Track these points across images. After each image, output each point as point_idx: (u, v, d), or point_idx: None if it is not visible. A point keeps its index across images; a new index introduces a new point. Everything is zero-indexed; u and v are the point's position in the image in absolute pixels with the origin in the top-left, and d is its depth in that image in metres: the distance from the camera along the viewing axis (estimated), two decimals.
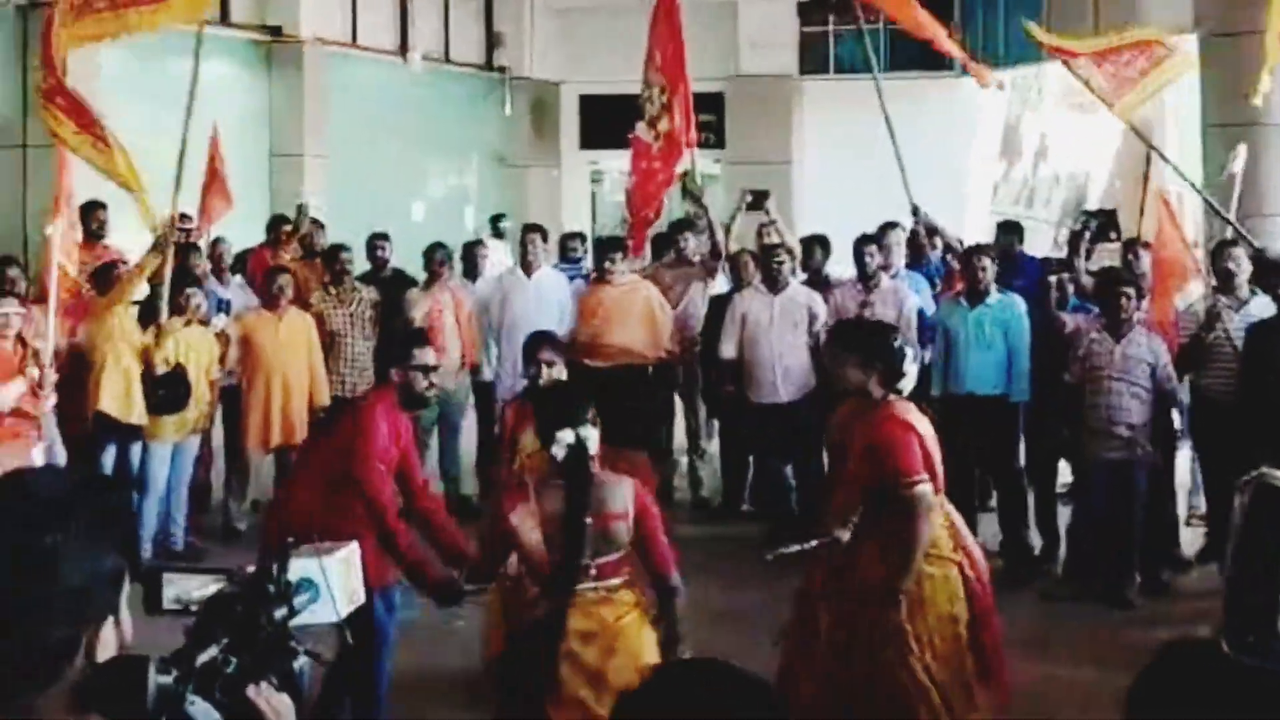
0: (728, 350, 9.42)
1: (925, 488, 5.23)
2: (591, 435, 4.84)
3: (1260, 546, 4.14)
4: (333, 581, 2.75)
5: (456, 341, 10.10)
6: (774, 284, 9.48)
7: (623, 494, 4.87)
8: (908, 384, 5.50)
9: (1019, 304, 8.83)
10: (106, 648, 1.88)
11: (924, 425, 5.44)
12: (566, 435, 4.79)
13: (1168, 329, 8.49)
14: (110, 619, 1.89)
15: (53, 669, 1.83)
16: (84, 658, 1.85)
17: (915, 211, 9.93)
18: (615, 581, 4.84)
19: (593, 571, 4.79)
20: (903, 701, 5.26)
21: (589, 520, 4.74)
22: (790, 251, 10.01)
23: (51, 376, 7.76)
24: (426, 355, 6.01)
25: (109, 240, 10.15)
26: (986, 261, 8.82)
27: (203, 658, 1.97)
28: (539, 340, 6.89)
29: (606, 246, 10.24)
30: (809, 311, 9.40)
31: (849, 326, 5.50)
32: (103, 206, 9.91)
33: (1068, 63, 9.27)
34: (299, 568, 2.29)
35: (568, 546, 4.74)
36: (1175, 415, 8.53)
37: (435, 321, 9.96)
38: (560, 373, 6.65)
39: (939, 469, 5.41)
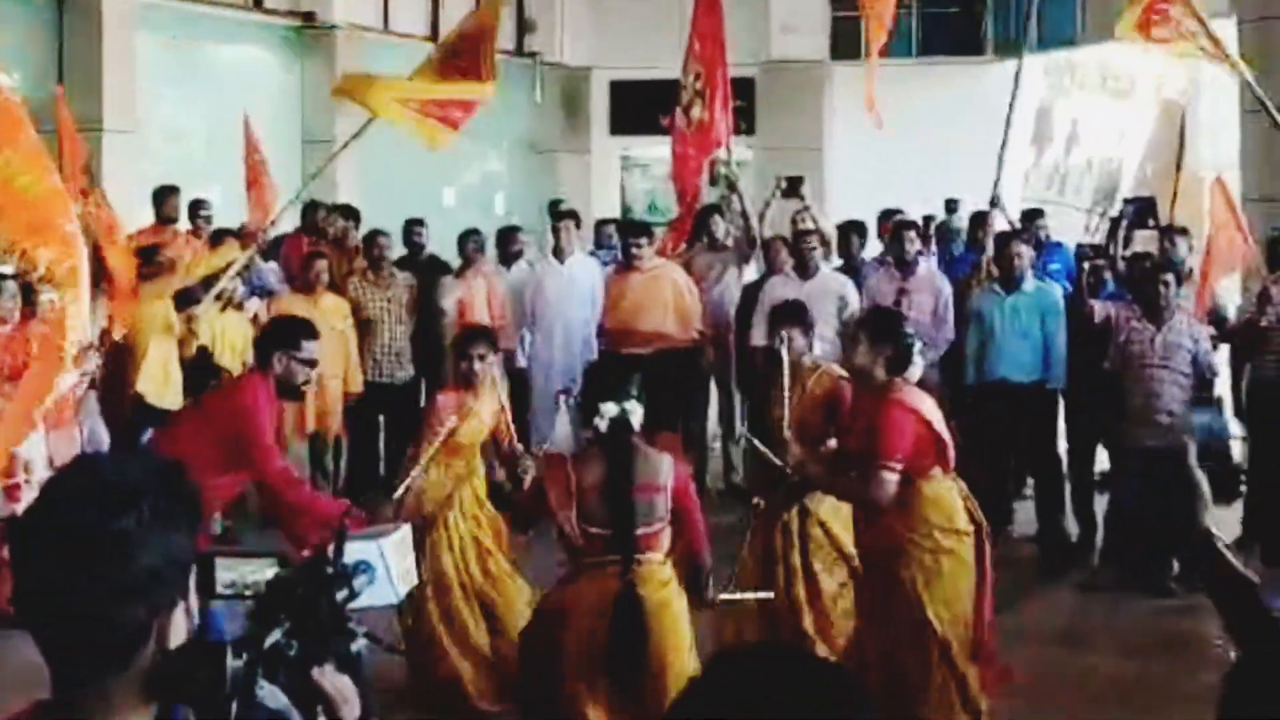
0: (757, 337, 9.25)
1: (892, 476, 5.27)
2: (635, 409, 4.89)
3: None
4: (390, 563, 2.78)
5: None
6: (804, 270, 9.43)
7: (663, 467, 4.92)
8: (914, 372, 5.52)
9: (1055, 291, 8.79)
10: (177, 633, 1.89)
11: (930, 409, 5.46)
12: (610, 408, 4.86)
13: (1203, 313, 8.46)
14: (181, 604, 1.90)
15: (127, 653, 1.84)
16: (155, 643, 1.86)
17: (994, 201, 9.68)
18: (655, 555, 4.86)
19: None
20: (914, 678, 5.34)
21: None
22: (823, 238, 9.96)
23: (95, 360, 7.78)
24: (313, 349, 6.01)
25: (180, 227, 10.27)
26: (1022, 248, 8.78)
27: (268, 641, 1.98)
28: (473, 336, 6.81)
29: (631, 232, 10.15)
30: (840, 299, 9.34)
31: (868, 313, 5.61)
32: (175, 191, 9.99)
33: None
34: (356, 550, 2.29)
35: (617, 515, 4.78)
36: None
37: (467, 308, 9.97)
38: (494, 367, 6.69)
39: (950, 449, 5.46)
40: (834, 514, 6.22)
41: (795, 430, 6.19)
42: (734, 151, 11.32)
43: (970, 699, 5.36)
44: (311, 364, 5.96)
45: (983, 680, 5.40)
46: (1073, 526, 8.89)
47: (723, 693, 1.48)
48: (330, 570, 2.14)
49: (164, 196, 10.25)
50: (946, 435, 5.46)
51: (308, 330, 6.16)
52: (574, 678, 4.75)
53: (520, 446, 6.68)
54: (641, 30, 16.63)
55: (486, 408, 6.56)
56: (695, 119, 10.66)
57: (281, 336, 6.08)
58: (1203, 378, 8.01)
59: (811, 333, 6.82)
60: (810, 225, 10.50)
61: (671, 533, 4.96)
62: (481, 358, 6.51)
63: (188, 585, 1.92)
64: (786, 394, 6.37)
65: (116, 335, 8.14)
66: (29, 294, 7.83)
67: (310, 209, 11.39)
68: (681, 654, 4.77)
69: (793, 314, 6.74)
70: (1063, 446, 8.97)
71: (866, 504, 5.43)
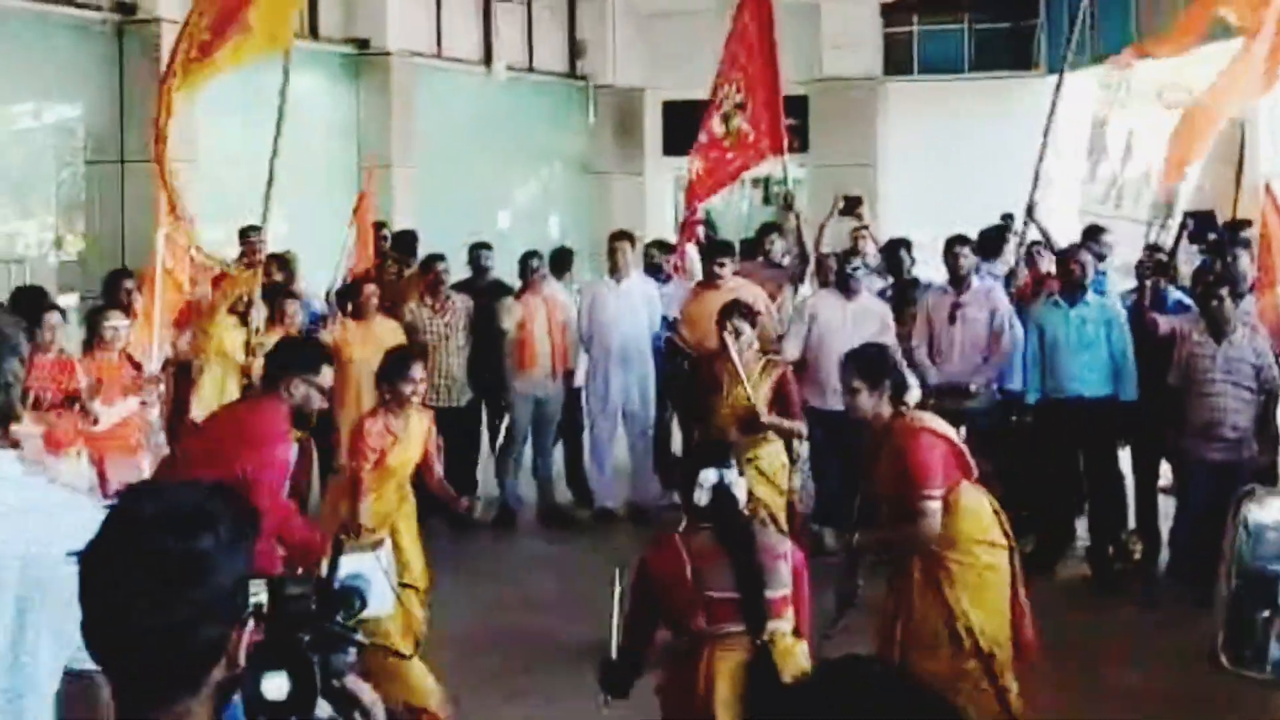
0: (792, 351, 9.13)
1: (935, 504, 5.23)
2: (737, 480, 4.63)
3: (1256, 560, 4.16)
4: (389, 571, 2.85)
5: (548, 348, 10.13)
6: (847, 289, 9.29)
7: (778, 537, 4.80)
8: (912, 396, 5.54)
9: (1116, 303, 8.72)
10: (243, 651, 1.94)
11: (941, 425, 5.47)
12: (709, 475, 4.59)
13: (1271, 323, 8.36)
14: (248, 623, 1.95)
15: (200, 673, 1.88)
16: (227, 662, 1.90)
17: (1030, 211, 9.62)
18: (783, 624, 4.49)
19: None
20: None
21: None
22: (874, 258, 9.91)
23: (159, 387, 7.89)
24: (330, 376, 5.60)
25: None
26: (1086, 258, 8.71)
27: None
28: (405, 357, 6.65)
29: (715, 252, 9.98)
30: (882, 322, 9.22)
31: (852, 356, 5.52)
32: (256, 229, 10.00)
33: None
34: (355, 562, 2.39)
35: (743, 578, 4.43)
36: None
37: (527, 329, 10.01)
38: (423, 389, 6.48)
39: (970, 462, 5.43)
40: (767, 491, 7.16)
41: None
42: (788, 170, 11.28)
43: (1012, 713, 5.31)
44: (325, 391, 5.58)
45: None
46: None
47: (823, 702, 1.49)
48: (333, 585, 2.20)
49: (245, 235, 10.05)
50: (963, 448, 5.48)
51: (326, 355, 5.86)
52: None
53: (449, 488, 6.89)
54: (693, 50, 16.63)
55: (415, 432, 6.44)
56: (734, 128, 10.63)
57: (300, 360, 5.60)
58: (1270, 392, 7.92)
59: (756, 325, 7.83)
60: (870, 244, 10.49)
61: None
62: (416, 382, 6.36)
63: (249, 605, 1.96)
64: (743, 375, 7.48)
65: (170, 355, 8.24)
66: (94, 324, 7.97)
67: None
68: None
69: (736, 309, 7.76)
70: (1124, 461, 8.90)
71: (921, 542, 5.31)
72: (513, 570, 9.00)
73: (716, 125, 10.73)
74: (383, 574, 2.61)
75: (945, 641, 5.29)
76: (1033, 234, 9.67)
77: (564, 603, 8.20)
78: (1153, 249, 9.98)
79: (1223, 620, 4.27)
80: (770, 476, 7.57)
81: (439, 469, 6.92)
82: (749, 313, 7.89)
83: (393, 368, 6.44)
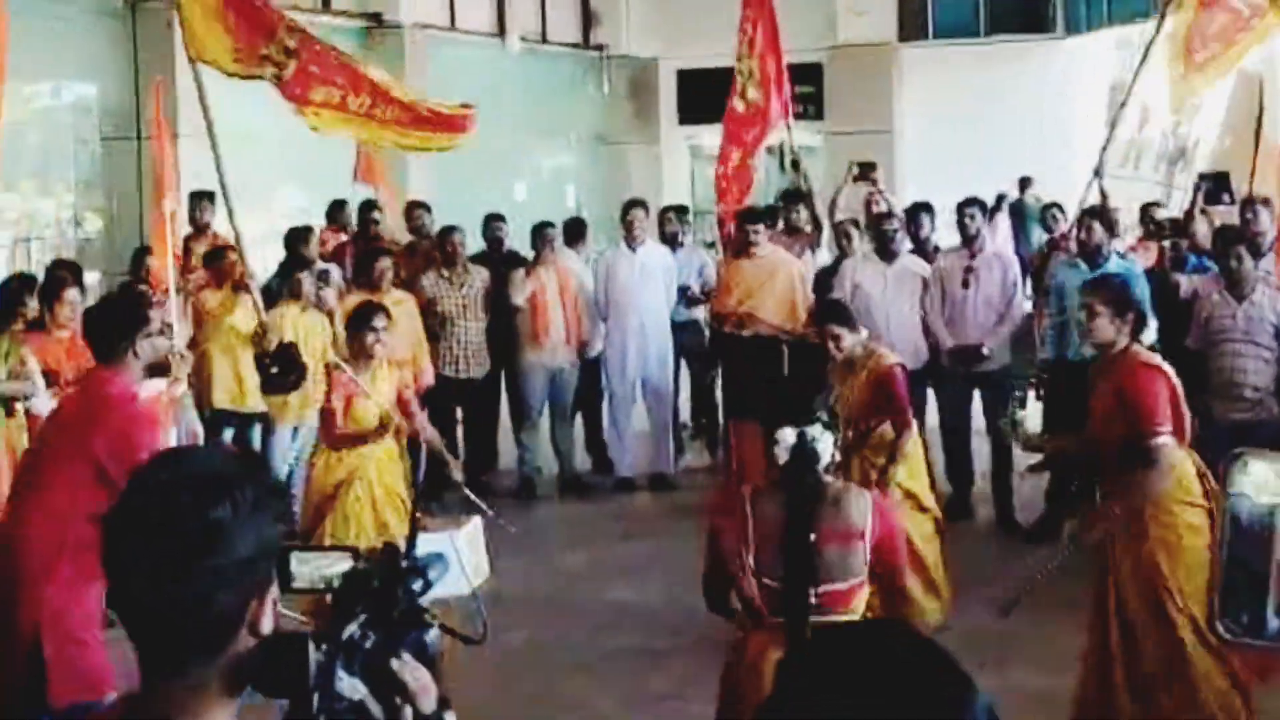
0: None
1: (1168, 441, 5.05)
2: (824, 438, 4.17)
3: (1250, 528, 4.08)
4: (463, 555, 2.82)
5: (561, 320, 10.11)
6: (886, 253, 9.32)
7: (861, 509, 4.16)
8: (1149, 335, 5.38)
9: (1137, 266, 8.67)
10: (267, 622, 1.94)
11: (1172, 372, 5.31)
12: (788, 435, 4.14)
13: None
14: (273, 592, 1.95)
15: (220, 642, 1.88)
16: (248, 631, 1.91)
17: (1098, 171, 9.48)
18: (843, 618, 4.00)
19: (813, 601, 4.03)
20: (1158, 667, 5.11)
21: (812, 537, 4.04)
22: (900, 220, 9.85)
23: (188, 361, 7.90)
24: (158, 320, 5.52)
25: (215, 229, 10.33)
26: (1097, 225, 8.66)
27: (346, 633, 2.01)
28: (369, 310, 6.94)
29: (748, 219, 9.78)
30: (921, 280, 9.25)
31: (1097, 282, 5.36)
32: (209, 196, 10.01)
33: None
34: (430, 541, 2.34)
35: (790, 569, 4.02)
36: None
37: (539, 301, 10.00)
38: (385, 339, 6.79)
39: (1185, 423, 5.30)
40: (909, 476, 6.67)
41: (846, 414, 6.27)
42: (800, 136, 11.23)
43: (1240, 686, 5.07)
44: (162, 332, 5.58)
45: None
46: None
47: (815, 674, 1.48)
48: (405, 562, 2.17)
49: (197, 201, 10.06)
50: (1184, 405, 5.31)
51: (147, 300, 5.93)
52: None
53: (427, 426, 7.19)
54: (707, 18, 16.57)
55: (383, 385, 6.76)
56: (751, 100, 10.61)
57: (131, 319, 5.20)
58: None
59: (857, 328, 7.05)
60: (885, 208, 10.43)
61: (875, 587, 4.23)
62: (378, 331, 6.69)
63: (273, 575, 1.97)
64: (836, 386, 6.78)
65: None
66: None
67: (365, 208, 11.43)
68: None
69: (836, 313, 7.15)
70: None
71: (1155, 490, 5.10)
72: (534, 540, 9.02)
73: (738, 103, 10.70)
74: (458, 557, 2.56)
75: (1154, 617, 5.11)
76: (1094, 195, 9.50)
77: (589, 570, 8.27)
78: (1148, 206, 9.86)
79: (1217, 590, 4.21)
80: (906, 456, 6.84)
81: (422, 420, 7.25)
82: (847, 318, 7.14)
83: (355, 319, 6.86)
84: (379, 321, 6.75)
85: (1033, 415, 6.26)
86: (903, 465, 6.73)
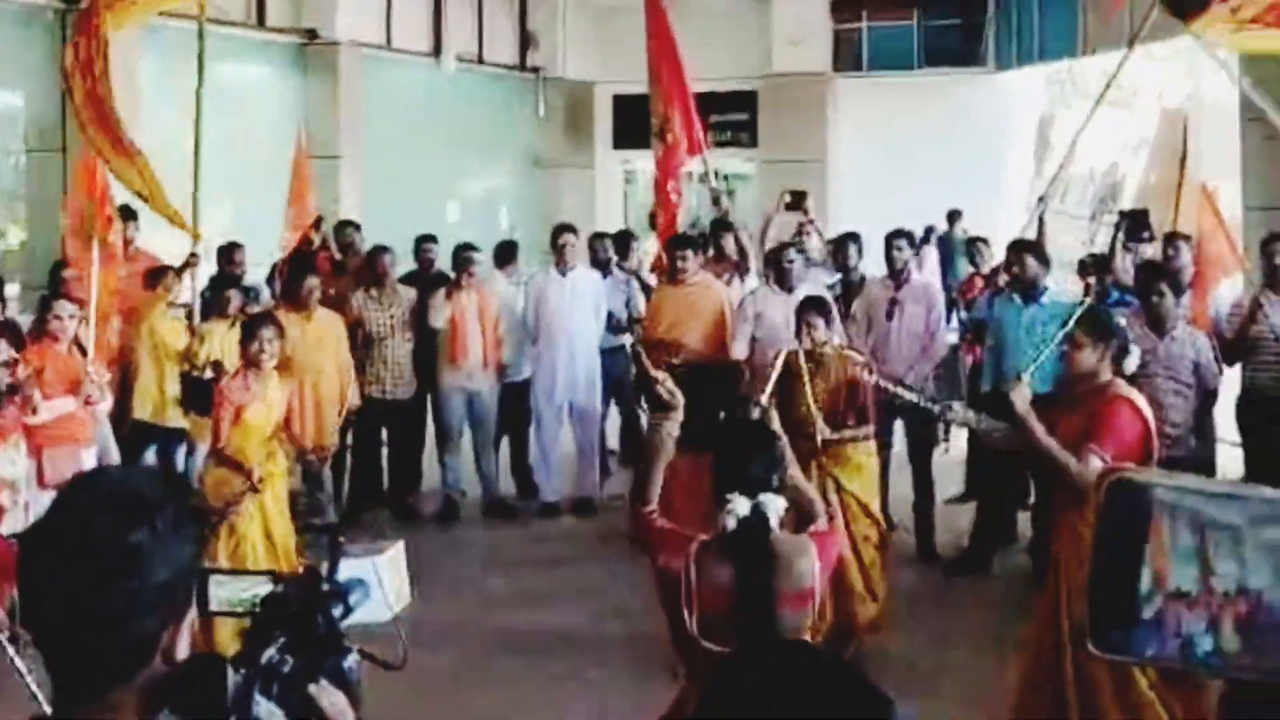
0: (740, 350, 9.02)
1: (1100, 464, 4.95)
2: (774, 504, 3.87)
3: (1119, 543, 4.09)
4: (384, 580, 2.79)
5: (479, 343, 10.00)
6: (785, 283, 9.11)
7: (806, 567, 3.88)
8: (1131, 363, 5.39)
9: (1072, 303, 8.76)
10: (183, 646, 1.91)
11: (1147, 409, 5.27)
12: (740, 505, 3.84)
13: (1205, 322, 8.44)
14: (190, 615, 1.93)
15: (135, 665, 1.86)
16: (164, 655, 1.88)
17: (1042, 199, 9.49)
18: None
19: None
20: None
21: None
22: (802, 251, 9.78)
23: (105, 377, 7.81)
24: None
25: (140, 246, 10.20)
26: (1030, 258, 8.71)
27: (264, 657, 1.99)
28: (260, 319, 7.30)
29: (678, 245, 9.79)
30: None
31: (1087, 316, 5.38)
32: (134, 215, 9.89)
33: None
34: (350, 567, 2.32)
35: (743, 634, 3.72)
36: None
37: (459, 324, 9.94)
38: (273, 349, 7.08)
39: (1153, 457, 5.22)
40: (861, 488, 7.08)
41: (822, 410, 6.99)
42: (733, 164, 11.29)
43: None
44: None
45: None
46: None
47: (738, 693, 1.48)
48: (325, 587, 2.15)
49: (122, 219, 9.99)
50: (1156, 440, 5.27)
51: None
52: None
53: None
54: (644, 44, 16.67)
55: (275, 394, 7.10)
56: (670, 142, 10.64)
57: None
58: (1206, 388, 7.99)
59: (832, 324, 7.45)
60: (816, 239, 10.48)
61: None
62: (269, 340, 7.00)
63: (192, 599, 1.94)
64: (808, 383, 7.12)
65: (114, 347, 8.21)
66: (42, 314, 7.90)
67: (341, 227, 11.37)
68: None
69: (815, 305, 7.43)
70: None
71: (1069, 477, 5.08)
72: (456, 564, 8.97)
73: (656, 148, 10.72)
74: (379, 581, 2.55)
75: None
76: (1034, 228, 9.56)
77: (512, 596, 8.23)
78: (1097, 259, 9.98)
79: (1089, 604, 4.20)
80: (860, 468, 7.22)
81: (296, 428, 7.84)
82: (825, 311, 7.43)
83: (244, 331, 7.21)
84: (267, 332, 7.03)
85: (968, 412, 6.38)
86: (856, 479, 7.13)
